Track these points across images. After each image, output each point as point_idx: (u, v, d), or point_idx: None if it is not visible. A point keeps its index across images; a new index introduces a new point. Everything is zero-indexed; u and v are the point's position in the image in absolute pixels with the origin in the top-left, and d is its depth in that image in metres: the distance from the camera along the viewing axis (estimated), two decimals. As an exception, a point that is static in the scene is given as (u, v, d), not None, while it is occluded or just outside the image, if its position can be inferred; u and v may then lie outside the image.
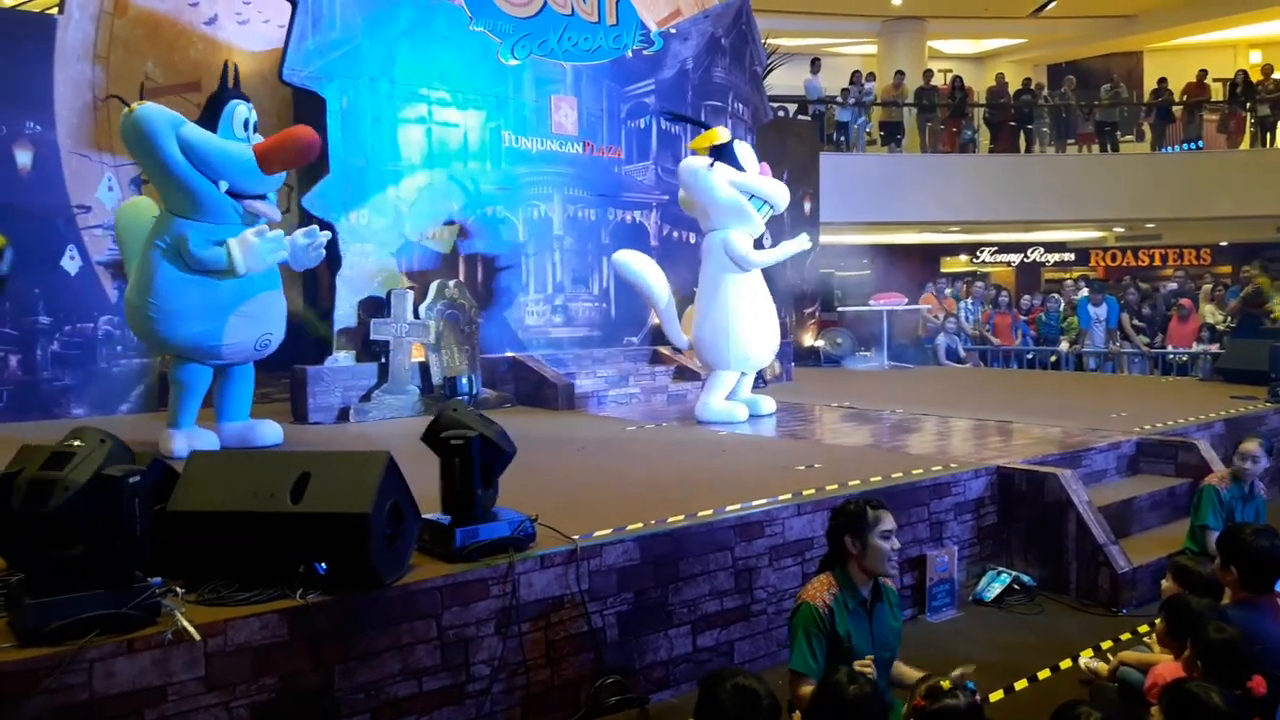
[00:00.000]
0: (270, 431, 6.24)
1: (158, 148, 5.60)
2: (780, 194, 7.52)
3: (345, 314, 7.73)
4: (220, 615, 2.94)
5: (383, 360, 7.74)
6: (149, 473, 3.02)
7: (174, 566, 3.14)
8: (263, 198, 6.04)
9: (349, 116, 7.78)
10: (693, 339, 7.69)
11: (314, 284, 8.65)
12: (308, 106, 7.74)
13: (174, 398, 6.03)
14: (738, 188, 7.31)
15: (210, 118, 5.86)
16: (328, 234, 6.37)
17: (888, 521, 3.34)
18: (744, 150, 7.58)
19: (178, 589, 3.06)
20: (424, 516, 3.52)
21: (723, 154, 7.40)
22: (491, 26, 8.73)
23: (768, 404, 7.92)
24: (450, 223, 8.51)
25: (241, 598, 3.05)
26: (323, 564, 3.15)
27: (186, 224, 5.74)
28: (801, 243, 7.87)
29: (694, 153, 7.75)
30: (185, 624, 2.83)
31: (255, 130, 6.00)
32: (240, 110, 5.91)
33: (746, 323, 7.44)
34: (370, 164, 7.92)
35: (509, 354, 8.77)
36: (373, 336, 7.67)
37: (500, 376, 8.62)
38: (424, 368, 7.91)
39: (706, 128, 7.97)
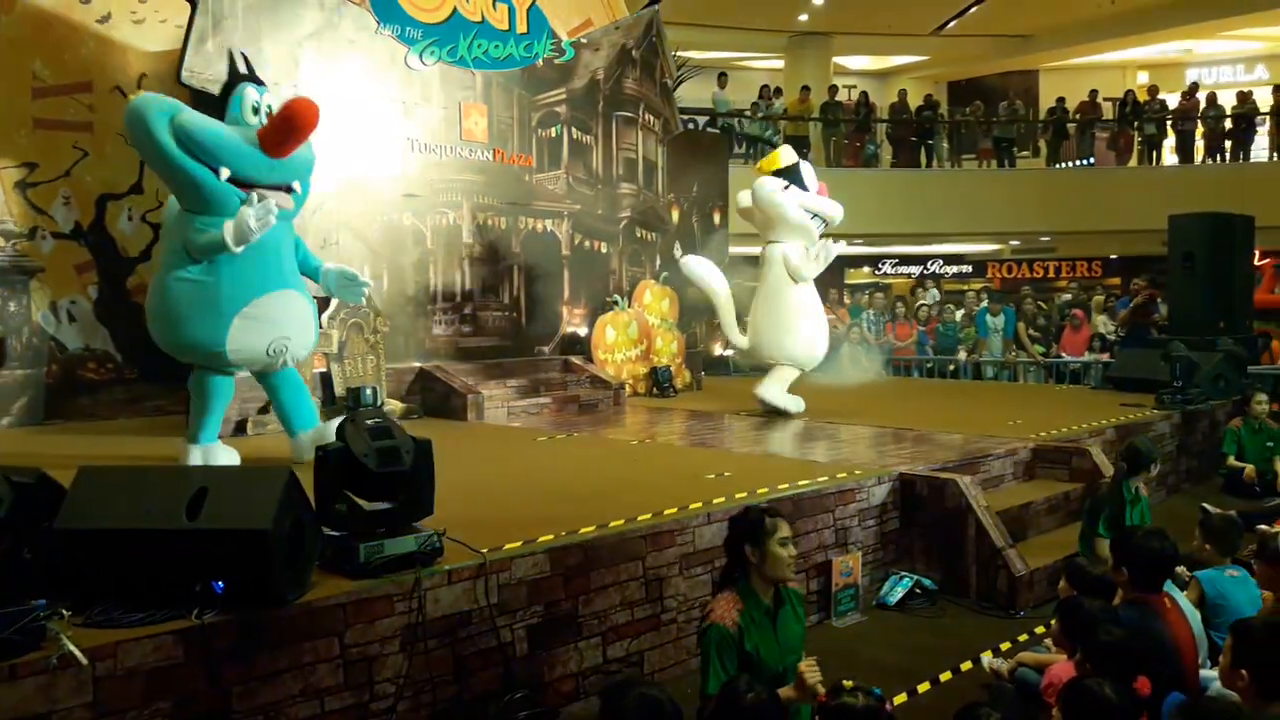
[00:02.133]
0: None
1: (152, 135, 5.20)
2: (837, 212, 8.25)
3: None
4: (110, 638, 2.82)
5: (284, 370, 7.55)
6: (30, 490, 2.89)
7: (60, 587, 3.00)
8: (288, 189, 5.61)
9: (250, 121, 7.57)
10: (751, 340, 8.41)
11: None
12: (207, 110, 7.51)
13: (192, 410, 5.73)
14: (805, 209, 8.05)
15: (222, 107, 5.52)
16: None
17: (785, 529, 3.37)
18: (808, 171, 8.28)
19: (64, 611, 2.92)
20: (326, 532, 3.44)
21: (790, 173, 8.11)
22: (399, 32, 8.62)
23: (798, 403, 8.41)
24: (353, 229, 8.36)
25: (133, 619, 2.92)
26: (220, 583, 3.05)
27: (193, 218, 5.37)
28: (831, 249, 8.25)
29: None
30: (72, 648, 2.70)
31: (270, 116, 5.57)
32: (250, 93, 5.51)
33: (807, 324, 8.26)
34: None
35: (416, 364, 8.64)
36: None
37: (407, 387, 8.48)
38: (326, 378, 7.74)
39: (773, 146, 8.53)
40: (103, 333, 8.06)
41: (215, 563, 3.03)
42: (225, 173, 5.33)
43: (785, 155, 8.31)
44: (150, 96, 5.47)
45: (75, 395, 7.92)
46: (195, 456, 5.54)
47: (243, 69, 5.67)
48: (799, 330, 8.21)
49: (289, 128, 5.39)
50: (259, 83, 5.67)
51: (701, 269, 8.49)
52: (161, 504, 3.05)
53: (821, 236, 8.24)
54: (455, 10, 9.02)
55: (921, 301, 14.33)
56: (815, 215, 8.11)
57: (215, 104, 5.73)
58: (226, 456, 5.58)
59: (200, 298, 5.38)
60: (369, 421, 3.64)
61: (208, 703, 2.97)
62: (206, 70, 7.32)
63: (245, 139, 5.39)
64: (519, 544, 3.89)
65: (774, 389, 8.27)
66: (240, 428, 7.24)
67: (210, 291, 5.38)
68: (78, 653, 2.71)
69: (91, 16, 7.96)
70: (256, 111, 5.54)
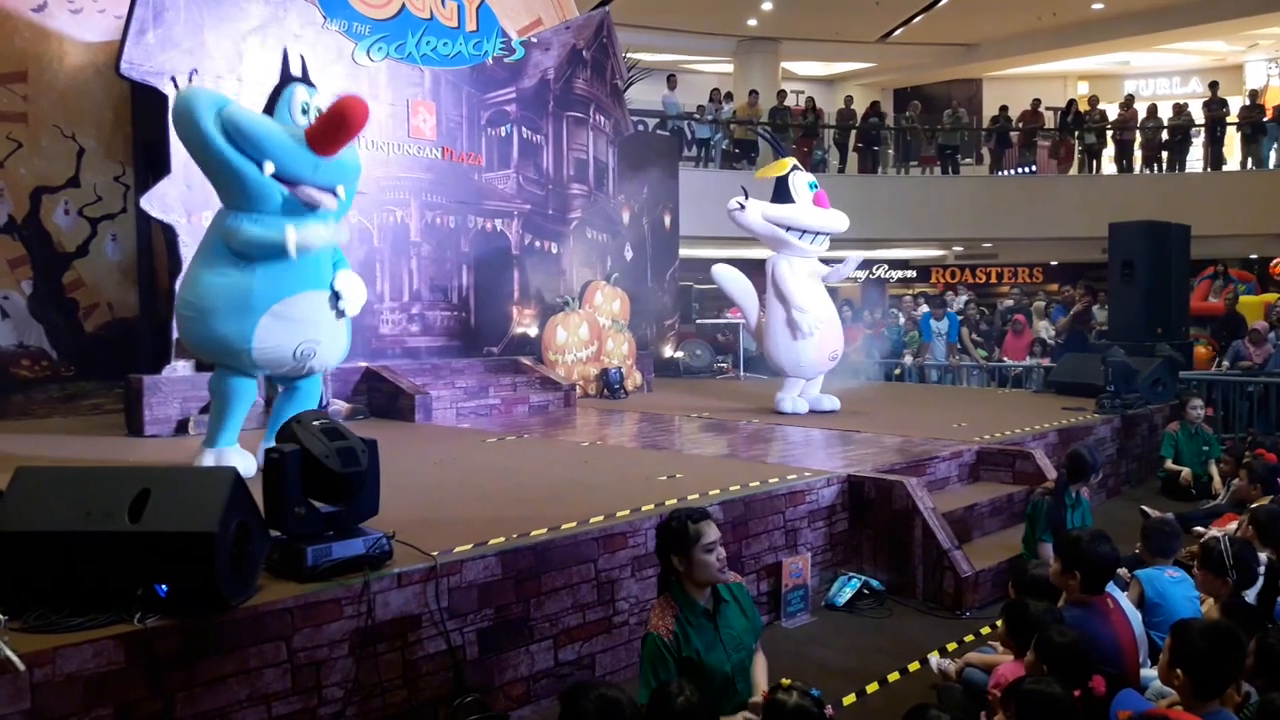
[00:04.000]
0: None
1: (198, 127, 4.98)
2: (821, 220, 8.27)
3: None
4: (49, 643, 2.74)
5: (227, 369, 7.39)
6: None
7: (-5, 592, 2.91)
8: (331, 191, 5.34)
9: (194, 114, 7.41)
10: (762, 346, 8.72)
11: (152, 287, 8.25)
12: (147, 103, 7.36)
13: (211, 412, 5.52)
14: (772, 220, 8.14)
15: (270, 108, 5.31)
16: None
17: (710, 534, 3.30)
18: (798, 181, 8.29)
19: (0, 616, 2.84)
20: (273, 535, 3.38)
21: (779, 184, 8.20)
22: (346, 27, 8.51)
23: (831, 402, 8.65)
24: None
25: (73, 624, 2.84)
26: (163, 586, 2.97)
27: (236, 215, 5.16)
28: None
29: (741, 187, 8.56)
30: (9, 653, 2.62)
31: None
32: (299, 92, 5.29)
33: (803, 336, 8.30)
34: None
35: (362, 364, 8.53)
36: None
37: (353, 387, 8.37)
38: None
39: (784, 153, 8.70)
40: (37, 329, 7.86)
41: (158, 566, 2.95)
42: (270, 168, 5.11)
43: (779, 166, 8.42)
44: (199, 89, 5.35)
45: (8, 393, 7.72)
46: (208, 459, 5.30)
47: (295, 70, 5.43)
48: (789, 343, 8.34)
49: (337, 124, 5.13)
50: (310, 84, 5.43)
51: (729, 276, 8.63)
52: (103, 505, 2.97)
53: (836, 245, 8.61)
54: (404, 6, 8.93)
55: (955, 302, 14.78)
56: (791, 227, 8.17)
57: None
58: (241, 460, 5.27)
59: (231, 293, 5.15)
60: (315, 422, 3.59)
61: (150, 709, 2.89)
62: (147, 62, 7.17)
63: (292, 136, 5.17)
64: (469, 547, 3.85)
65: (781, 398, 8.55)
66: (182, 427, 7.09)
67: (242, 287, 5.15)
68: (15, 658, 2.63)
69: (27, 5, 7.75)
70: (305, 112, 5.30)
